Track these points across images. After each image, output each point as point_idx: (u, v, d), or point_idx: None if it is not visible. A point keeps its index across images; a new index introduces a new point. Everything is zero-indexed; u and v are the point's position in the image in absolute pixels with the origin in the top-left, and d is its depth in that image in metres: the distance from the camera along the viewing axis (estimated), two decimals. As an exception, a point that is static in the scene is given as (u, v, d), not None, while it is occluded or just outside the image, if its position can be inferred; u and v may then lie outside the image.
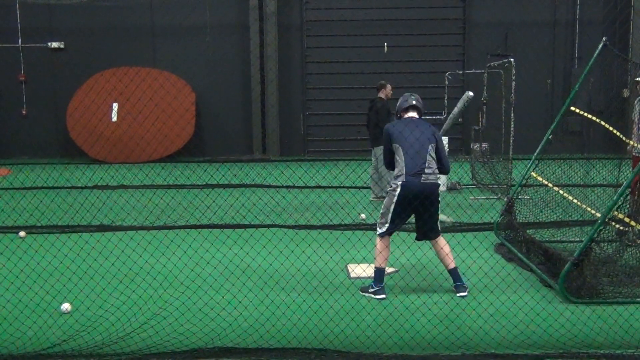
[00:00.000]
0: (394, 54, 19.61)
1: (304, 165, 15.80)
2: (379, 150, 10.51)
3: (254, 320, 5.28)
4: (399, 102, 6.25)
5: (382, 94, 11.03)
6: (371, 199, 11.15)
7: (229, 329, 5.06)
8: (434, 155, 5.88)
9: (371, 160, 11.21)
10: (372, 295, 5.88)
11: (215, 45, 19.77)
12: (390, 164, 6.06)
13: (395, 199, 5.82)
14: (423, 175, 5.77)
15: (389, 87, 11.10)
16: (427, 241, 6.15)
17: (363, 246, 7.03)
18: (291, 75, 20.41)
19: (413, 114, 6.11)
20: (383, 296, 5.85)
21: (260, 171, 15.37)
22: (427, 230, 5.95)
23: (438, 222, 5.98)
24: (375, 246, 5.98)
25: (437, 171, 5.90)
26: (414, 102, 6.11)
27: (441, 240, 5.96)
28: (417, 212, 5.88)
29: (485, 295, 5.82)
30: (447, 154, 6.35)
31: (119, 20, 19.85)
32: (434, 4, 19.90)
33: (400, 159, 5.86)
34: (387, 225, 5.88)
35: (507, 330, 4.98)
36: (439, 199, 5.91)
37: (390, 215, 5.87)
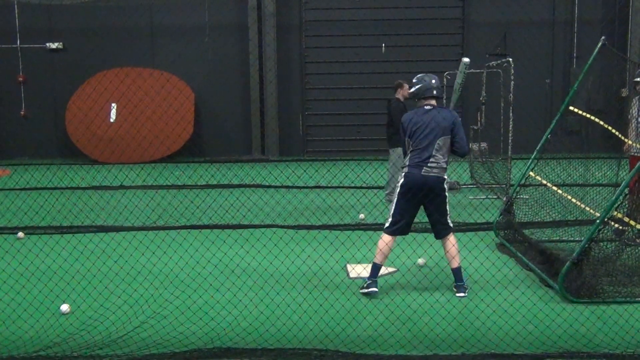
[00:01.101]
0: (392, 54, 19.61)
1: (304, 165, 15.79)
2: (396, 150, 10.30)
3: (253, 319, 5.29)
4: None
5: (398, 94, 10.40)
6: (386, 193, 10.78)
7: (228, 328, 5.06)
8: (443, 148, 5.78)
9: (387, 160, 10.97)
10: (365, 289, 5.87)
11: (214, 46, 19.75)
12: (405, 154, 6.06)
13: (398, 190, 5.85)
14: (425, 168, 5.74)
15: (406, 86, 10.25)
16: (427, 241, 6.15)
17: (363, 244, 7.03)
18: (290, 76, 20.42)
19: (429, 102, 5.98)
20: (375, 289, 5.83)
21: (260, 171, 15.38)
22: (435, 224, 5.91)
23: (448, 219, 5.92)
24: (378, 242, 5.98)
25: (444, 165, 5.81)
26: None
27: (449, 238, 5.92)
28: (424, 207, 5.88)
29: (485, 295, 5.83)
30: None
31: (118, 21, 19.83)
32: (433, 3, 19.89)
33: (407, 151, 5.92)
34: (390, 219, 5.89)
35: (506, 330, 4.98)
36: (445, 193, 5.85)
37: (394, 208, 5.87)
